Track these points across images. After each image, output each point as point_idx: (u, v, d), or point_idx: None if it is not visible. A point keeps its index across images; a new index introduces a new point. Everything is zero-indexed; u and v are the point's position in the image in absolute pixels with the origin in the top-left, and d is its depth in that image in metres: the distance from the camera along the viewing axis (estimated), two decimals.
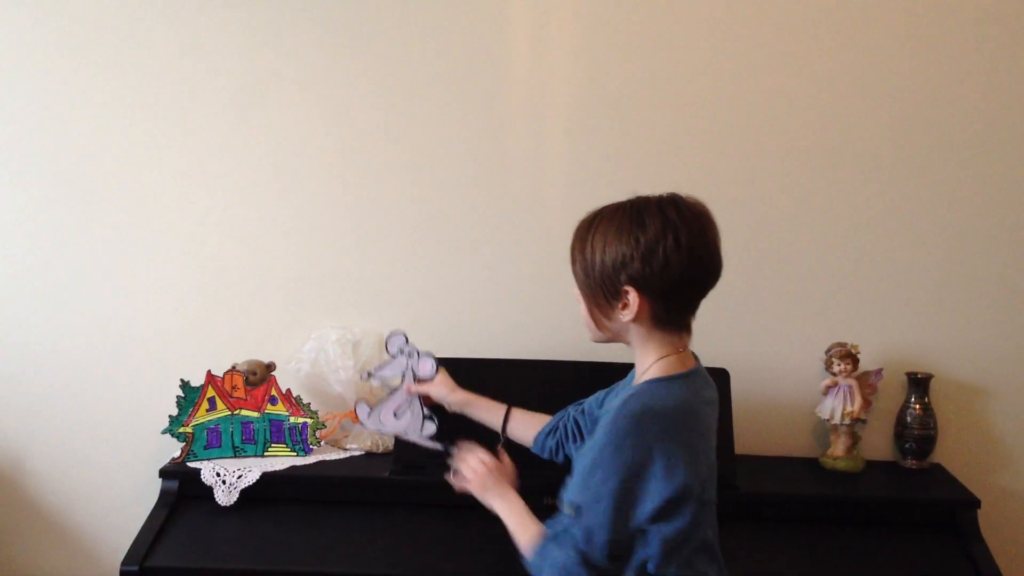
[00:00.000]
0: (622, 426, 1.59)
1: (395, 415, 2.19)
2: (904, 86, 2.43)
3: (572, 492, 1.65)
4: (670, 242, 1.60)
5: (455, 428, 2.13)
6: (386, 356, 2.20)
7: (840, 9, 2.42)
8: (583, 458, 1.66)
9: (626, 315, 1.66)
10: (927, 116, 2.44)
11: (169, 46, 2.49)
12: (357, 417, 2.20)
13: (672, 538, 1.59)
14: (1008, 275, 2.47)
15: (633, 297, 1.63)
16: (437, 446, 2.14)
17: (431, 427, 2.18)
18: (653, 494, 1.57)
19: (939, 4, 2.41)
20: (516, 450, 1.98)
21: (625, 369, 1.84)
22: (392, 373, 2.21)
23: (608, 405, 1.82)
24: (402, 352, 2.20)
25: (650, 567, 1.61)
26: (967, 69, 2.42)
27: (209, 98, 2.50)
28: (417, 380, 2.18)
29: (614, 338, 1.74)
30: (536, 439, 2.04)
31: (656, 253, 1.60)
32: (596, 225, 1.68)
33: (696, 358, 1.76)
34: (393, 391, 2.20)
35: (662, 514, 1.58)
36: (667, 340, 1.69)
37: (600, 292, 1.68)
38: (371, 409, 2.19)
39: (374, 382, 2.25)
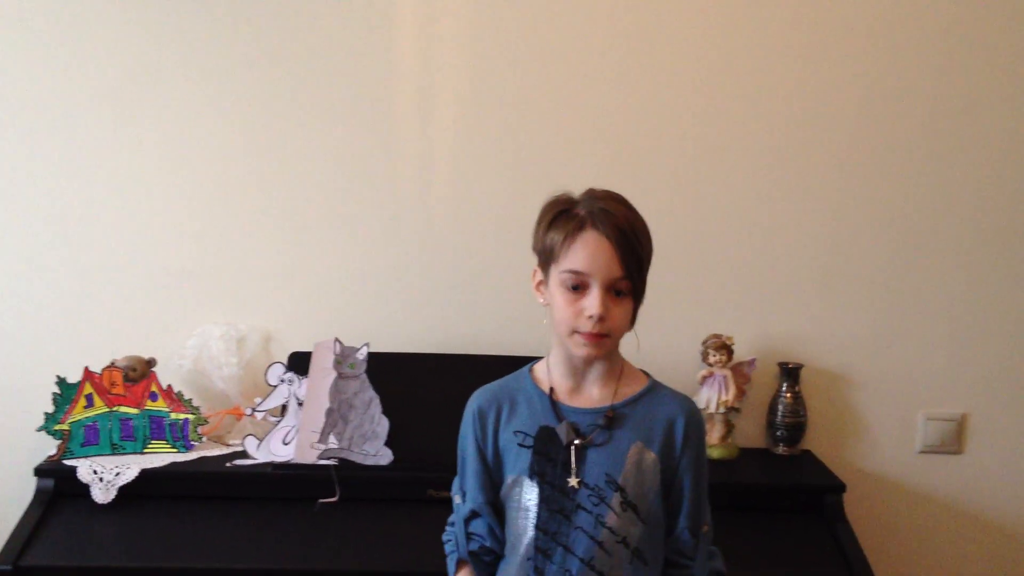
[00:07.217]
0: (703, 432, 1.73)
1: (284, 442, 2.30)
2: (774, 79, 2.52)
3: (694, 516, 1.69)
4: None
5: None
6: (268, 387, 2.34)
7: (715, 10, 2.50)
8: (688, 477, 1.67)
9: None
10: (796, 111, 2.53)
11: (49, 35, 2.44)
12: (245, 447, 2.30)
13: None
14: (872, 270, 2.57)
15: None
16: (331, 463, 2.24)
17: (321, 447, 2.27)
18: None
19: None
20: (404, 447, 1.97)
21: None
22: (275, 403, 2.33)
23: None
24: (283, 381, 2.32)
25: None
26: (838, 68, 2.52)
27: (90, 89, 2.46)
28: (300, 403, 2.28)
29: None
30: None
31: None
32: (638, 216, 1.61)
33: None
34: (279, 420, 2.31)
35: None
36: None
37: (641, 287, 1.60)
38: (260, 441, 2.30)
39: (259, 416, 2.36)
